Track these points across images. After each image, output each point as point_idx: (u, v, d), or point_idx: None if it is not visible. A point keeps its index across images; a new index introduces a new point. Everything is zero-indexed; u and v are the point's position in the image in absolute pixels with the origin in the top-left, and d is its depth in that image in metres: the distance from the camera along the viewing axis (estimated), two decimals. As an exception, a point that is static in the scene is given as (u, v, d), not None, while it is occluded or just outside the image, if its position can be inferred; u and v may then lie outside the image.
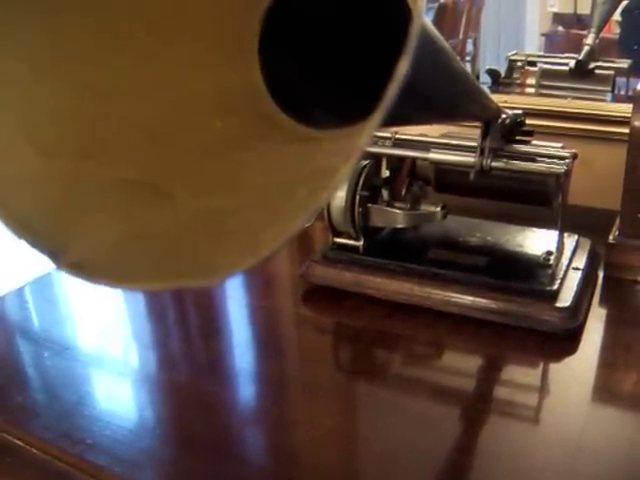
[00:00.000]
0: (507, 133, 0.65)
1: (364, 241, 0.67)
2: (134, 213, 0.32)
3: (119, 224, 0.31)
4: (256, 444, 0.52)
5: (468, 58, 1.27)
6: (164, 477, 0.48)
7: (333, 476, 0.46)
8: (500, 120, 0.63)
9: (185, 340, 0.66)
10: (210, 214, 0.30)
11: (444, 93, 0.45)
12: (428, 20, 0.35)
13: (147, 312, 0.70)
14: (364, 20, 0.41)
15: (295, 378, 0.58)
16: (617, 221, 0.68)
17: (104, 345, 0.63)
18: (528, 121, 0.68)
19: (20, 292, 0.73)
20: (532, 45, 1.16)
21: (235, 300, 0.71)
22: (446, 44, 0.42)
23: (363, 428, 0.53)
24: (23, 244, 0.29)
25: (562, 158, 0.61)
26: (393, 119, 0.42)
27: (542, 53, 1.08)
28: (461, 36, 1.26)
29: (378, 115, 0.20)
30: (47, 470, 0.49)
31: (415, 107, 0.41)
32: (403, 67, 0.19)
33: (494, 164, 0.62)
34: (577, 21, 1.08)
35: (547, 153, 0.63)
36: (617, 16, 1.05)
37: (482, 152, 0.62)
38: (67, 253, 0.28)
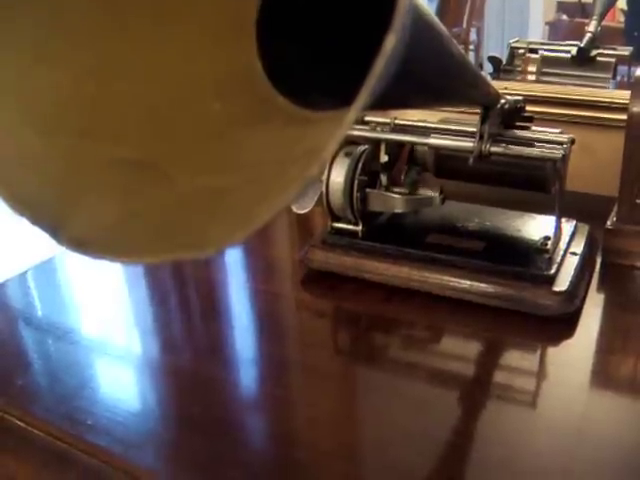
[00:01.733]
0: (506, 119, 0.65)
1: (363, 226, 0.67)
2: (133, 191, 0.32)
3: (118, 202, 0.32)
4: (256, 425, 0.52)
5: (472, 47, 1.27)
6: (164, 457, 0.48)
7: (332, 457, 0.47)
8: (499, 105, 0.63)
9: (186, 324, 0.66)
10: (207, 192, 0.31)
11: (441, 76, 0.45)
12: (425, 4, 0.36)
13: (149, 296, 0.70)
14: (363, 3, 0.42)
15: (295, 361, 0.59)
16: (615, 207, 0.69)
17: (106, 329, 0.63)
18: (529, 108, 0.69)
19: (22, 277, 0.74)
20: (536, 34, 1.16)
21: (236, 284, 0.72)
22: (443, 28, 0.42)
23: (361, 410, 0.53)
24: (24, 222, 0.29)
25: (560, 143, 0.62)
26: (391, 101, 0.43)
27: (540, 39, 1.08)
28: (465, 25, 1.26)
29: (366, 90, 0.21)
30: (48, 450, 0.50)
31: (412, 89, 0.41)
32: (390, 42, 0.20)
33: (493, 149, 0.62)
34: (581, 10, 1.09)
35: (545, 138, 0.63)
36: (622, 5, 1.05)
37: (481, 137, 0.62)
38: (67, 229, 0.29)
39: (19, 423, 0.51)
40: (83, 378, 0.56)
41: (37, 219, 0.29)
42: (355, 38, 0.43)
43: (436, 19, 0.39)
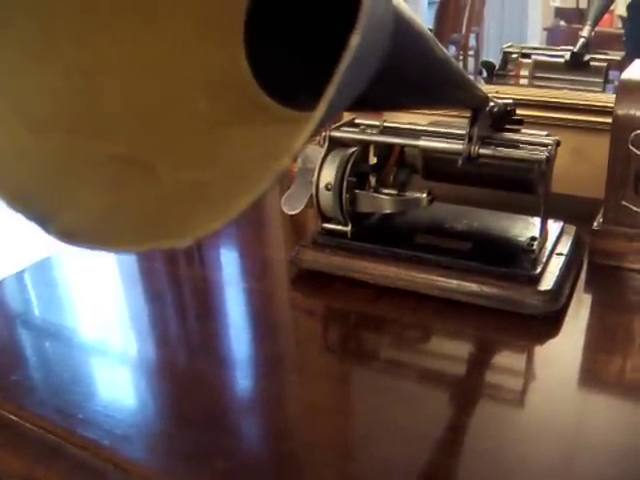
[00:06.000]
0: (496, 122, 0.66)
1: (352, 226, 0.68)
2: (120, 185, 0.33)
3: (106, 196, 0.33)
4: (247, 419, 0.53)
5: (471, 53, 1.28)
6: (153, 450, 0.49)
7: (322, 449, 0.48)
8: (488, 108, 0.64)
9: (181, 321, 0.67)
10: (190, 185, 0.32)
11: (426, 75, 0.46)
12: (405, 6, 0.37)
13: (144, 295, 0.71)
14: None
15: (286, 358, 0.60)
16: (602, 208, 0.69)
17: (101, 327, 0.64)
18: (520, 111, 0.69)
19: (20, 276, 0.75)
20: (534, 40, 1.17)
21: (230, 284, 0.73)
22: (428, 32, 0.43)
23: (351, 405, 0.54)
24: (21, 221, 0.30)
25: (545, 145, 0.63)
26: (377, 100, 0.44)
27: (537, 45, 1.09)
28: (464, 31, 1.27)
29: (334, 85, 0.22)
30: (40, 443, 0.50)
31: (397, 88, 0.42)
32: (355, 39, 0.21)
33: (482, 151, 0.63)
34: (579, 16, 1.09)
35: (531, 140, 0.64)
36: (621, 11, 1.06)
37: (470, 139, 0.63)
38: (57, 222, 0.30)
39: (12, 417, 0.52)
40: (76, 374, 0.56)
41: (27, 211, 0.30)
42: (343, 41, 0.44)
43: (419, 21, 0.40)
